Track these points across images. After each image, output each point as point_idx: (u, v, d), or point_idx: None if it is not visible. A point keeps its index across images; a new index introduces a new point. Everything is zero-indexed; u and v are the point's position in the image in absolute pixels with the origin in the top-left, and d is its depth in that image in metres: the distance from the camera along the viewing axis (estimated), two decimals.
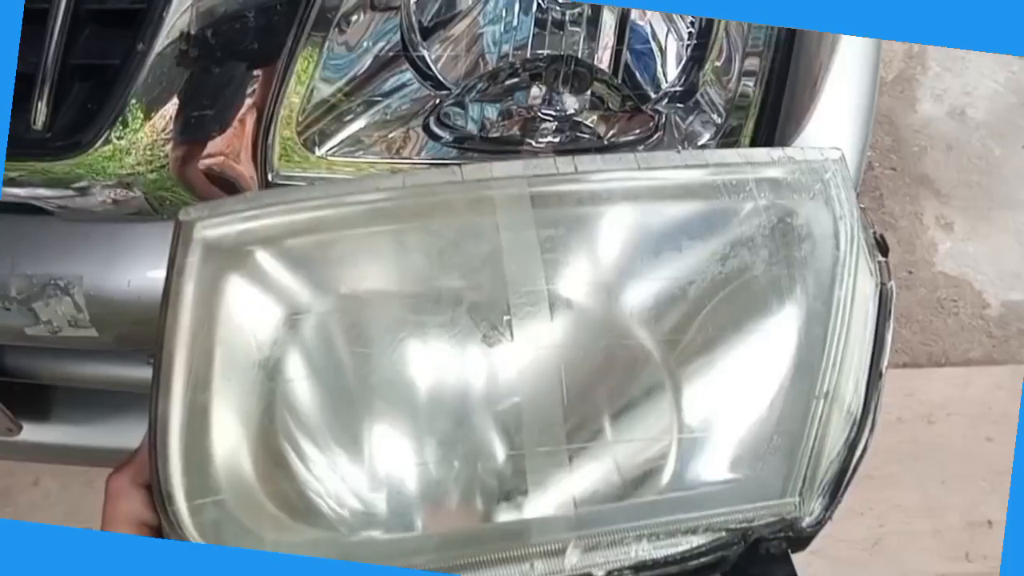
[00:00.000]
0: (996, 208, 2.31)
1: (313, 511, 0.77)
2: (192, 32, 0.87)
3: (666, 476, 0.80)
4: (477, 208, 0.81)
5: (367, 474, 0.78)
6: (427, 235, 0.81)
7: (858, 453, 0.81)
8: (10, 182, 0.96)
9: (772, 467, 0.80)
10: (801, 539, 0.81)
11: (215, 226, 0.78)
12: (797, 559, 0.81)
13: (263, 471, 0.77)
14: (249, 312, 0.78)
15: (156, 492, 0.74)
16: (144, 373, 1.14)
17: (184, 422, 0.75)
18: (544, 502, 0.78)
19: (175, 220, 0.78)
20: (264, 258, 0.79)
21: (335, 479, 0.77)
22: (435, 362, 0.79)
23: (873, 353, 0.82)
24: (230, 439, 0.76)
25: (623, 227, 0.83)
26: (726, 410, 0.81)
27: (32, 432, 1.21)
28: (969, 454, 1.91)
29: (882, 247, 0.86)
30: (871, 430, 0.81)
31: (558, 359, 0.80)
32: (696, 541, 0.79)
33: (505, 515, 0.78)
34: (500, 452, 0.78)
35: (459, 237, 0.81)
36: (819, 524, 0.81)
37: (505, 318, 0.79)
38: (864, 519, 1.87)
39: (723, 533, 0.79)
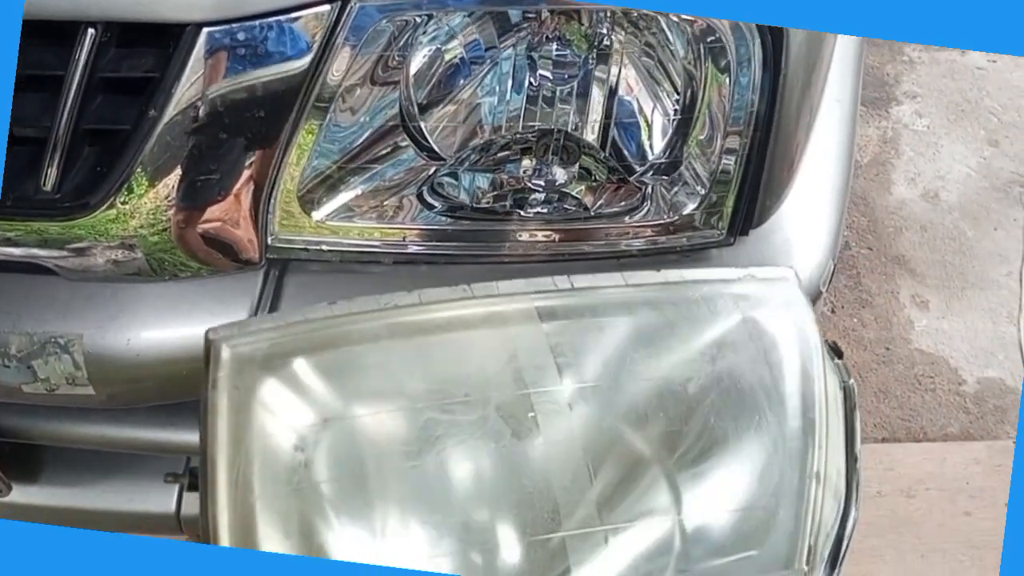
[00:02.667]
0: (969, 288, 2.36)
1: None
2: (203, 101, 0.90)
3: (674, 555, 0.88)
4: (489, 321, 0.91)
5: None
6: (447, 345, 0.90)
7: (849, 526, 0.90)
8: (6, 241, 0.98)
9: (778, 543, 0.89)
10: None
11: (243, 344, 0.86)
12: None
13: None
14: (284, 416, 0.86)
15: None
16: (134, 432, 1.16)
17: (231, 523, 0.83)
18: None
19: (204, 338, 0.85)
20: (300, 366, 0.87)
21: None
22: (471, 456, 0.88)
23: (847, 440, 0.94)
24: (275, 535, 0.83)
25: (620, 333, 0.94)
26: (726, 494, 0.90)
27: (21, 494, 1.20)
28: (947, 528, 1.92)
29: (836, 351, 0.98)
30: (856, 506, 0.91)
31: (583, 451, 0.88)
32: None
33: None
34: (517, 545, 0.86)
35: (477, 346, 0.90)
36: None
37: (530, 415, 0.88)
38: None
39: None
